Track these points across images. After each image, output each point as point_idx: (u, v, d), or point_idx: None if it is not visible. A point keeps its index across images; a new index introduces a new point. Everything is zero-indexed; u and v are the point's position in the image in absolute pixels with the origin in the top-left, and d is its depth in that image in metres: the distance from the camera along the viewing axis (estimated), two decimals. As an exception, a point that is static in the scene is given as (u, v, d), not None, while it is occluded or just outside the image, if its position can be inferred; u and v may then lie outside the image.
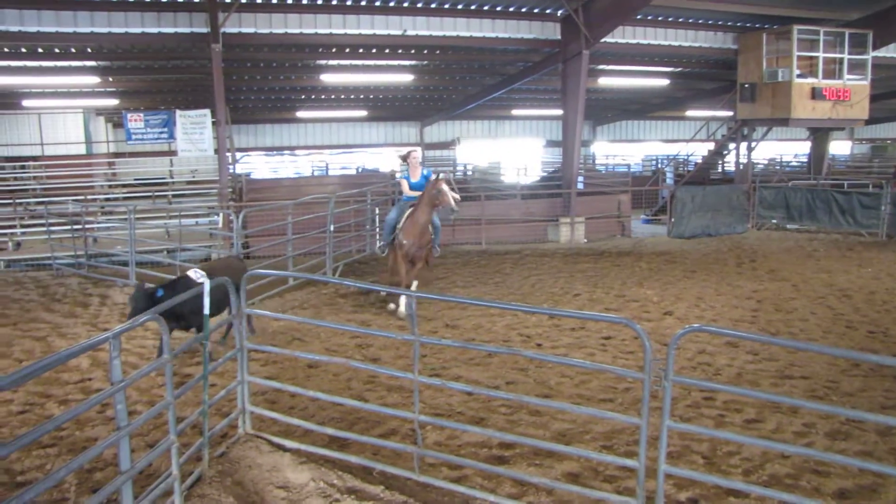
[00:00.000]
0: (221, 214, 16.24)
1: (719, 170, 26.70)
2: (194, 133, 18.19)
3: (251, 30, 16.30)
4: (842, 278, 13.34)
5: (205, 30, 15.71)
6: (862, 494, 5.59)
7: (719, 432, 6.23)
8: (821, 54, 19.49)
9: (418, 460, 5.33)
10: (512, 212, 18.18)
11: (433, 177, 10.72)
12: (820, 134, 24.83)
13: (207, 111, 18.32)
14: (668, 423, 4.26)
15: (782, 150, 34.98)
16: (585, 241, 17.95)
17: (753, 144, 22.71)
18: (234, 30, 16.03)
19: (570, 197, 18.30)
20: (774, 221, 19.61)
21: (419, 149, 12.86)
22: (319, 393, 6.12)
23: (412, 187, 11.19)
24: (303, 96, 27.51)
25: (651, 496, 4.37)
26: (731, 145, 23.33)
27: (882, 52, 20.72)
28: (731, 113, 22.56)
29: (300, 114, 29.91)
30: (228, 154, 17.99)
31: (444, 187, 10.36)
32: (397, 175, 12.64)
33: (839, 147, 37.89)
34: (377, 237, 14.80)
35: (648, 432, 4.38)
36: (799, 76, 19.52)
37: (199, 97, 25.43)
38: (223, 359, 5.95)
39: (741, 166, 22.87)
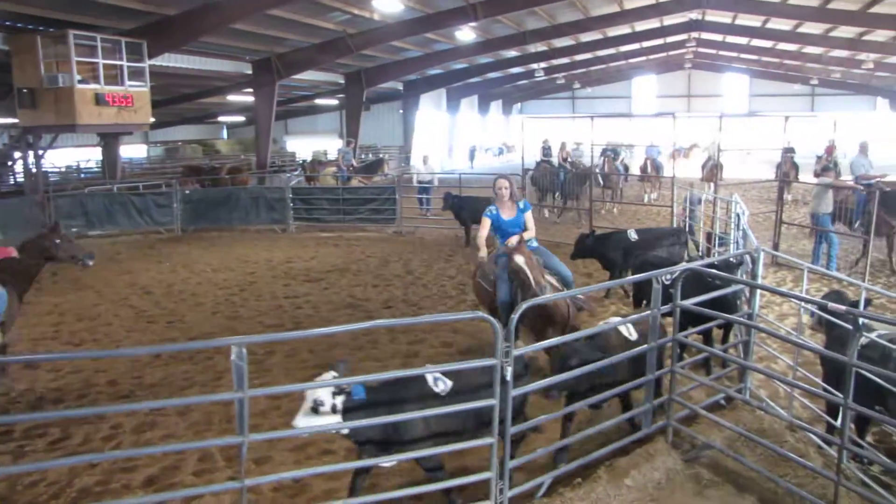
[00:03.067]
0: None
1: (10, 182, 24.95)
2: None
3: None
4: (144, 276, 13.83)
5: None
6: (167, 475, 5.95)
7: (12, 468, 5.83)
8: (101, 60, 19.56)
9: None
10: None
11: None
12: (110, 138, 25.14)
13: None
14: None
15: (79, 156, 34.44)
16: None
17: (41, 152, 21.78)
18: None
19: None
20: (75, 230, 19.20)
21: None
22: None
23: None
24: None
25: None
26: (17, 154, 21.98)
27: (158, 61, 21.84)
28: (14, 120, 21.18)
29: None
30: None
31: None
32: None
33: (136, 150, 39.18)
34: None
35: None
36: (81, 82, 19.31)
37: None
38: None
39: (31, 176, 21.72)
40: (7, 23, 19.06)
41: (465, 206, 16.32)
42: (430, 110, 41.59)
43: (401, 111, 39.58)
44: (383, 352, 8.91)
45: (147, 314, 11.10)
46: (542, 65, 38.82)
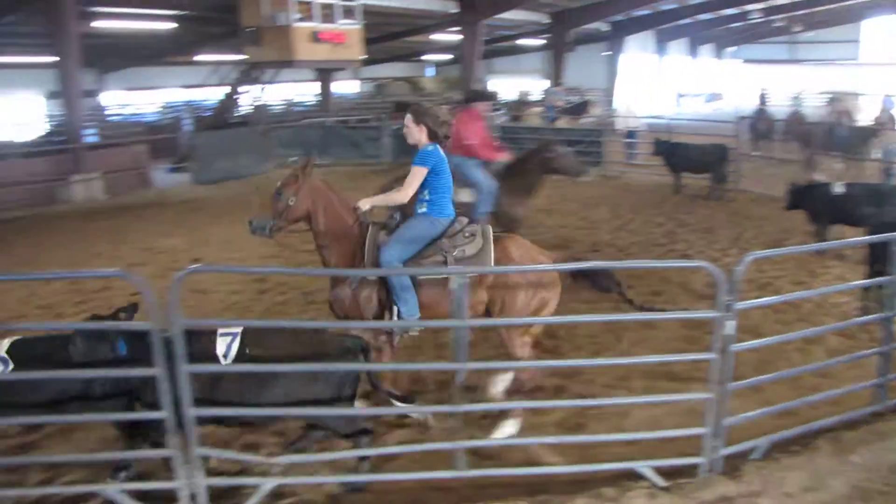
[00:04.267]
0: None
1: (237, 113, 26.95)
2: None
3: None
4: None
5: None
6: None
7: (243, 367, 6.46)
8: (316, 0, 20.64)
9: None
10: (12, 173, 16.16)
11: None
12: (324, 74, 26.53)
13: None
14: (186, 369, 4.26)
15: (296, 90, 36.51)
16: (106, 196, 16.86)
17: (264, 86, 23.38)
18: None
19: (77, 152, 16.91)
20: (294, 159, 20.52)
21: None
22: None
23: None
24: None
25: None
26: (244, 88, 23.72)
27: (369, 0, 22.58)
28: (241, 56, 22.80)
29: None
30: None
31: None
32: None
33: (348, 86, 40.93)
34: None
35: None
36: (298, 20, 20.43)
37: None
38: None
39: (256, 108, 23.43)
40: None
41: (677, 152, 15.75)
42: (637, 53, 40.10)
43: (606, 53, 38.51)
44: (592, 294, 8.82)
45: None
46: (759, 5, 36.19)
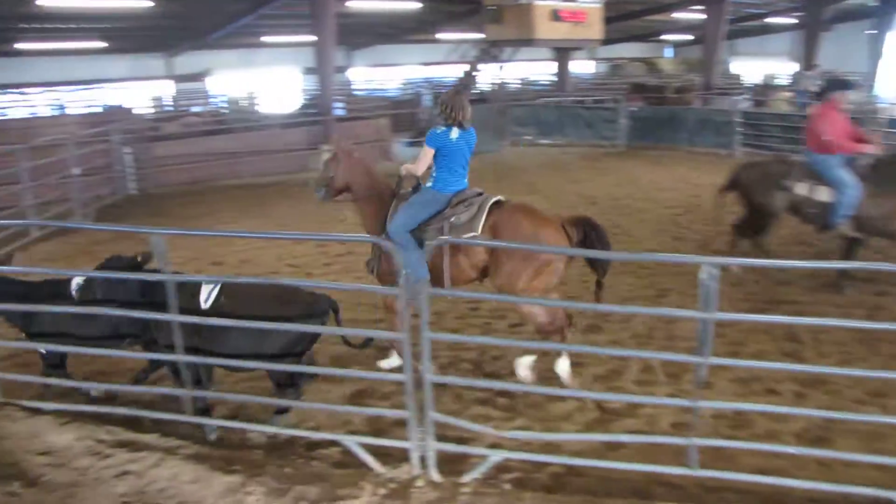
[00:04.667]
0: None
1: (475, 90, 27.55)
2: None
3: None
4: (589, 187, 14.41)
5: None
6: (610, 377, 6.27)
7: (481, 338, 6.63)
8: (558, -22, 20.55)
9: (190, 403, 5.16)
10: (272, 142, 17.66)
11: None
12: (562, 53, 26.37)
13: None
14: (428, 335, 4.40)
15: (532, 69, 36.69)
16: (349, 167, 17.89)
17: (503, 64, 23.68)
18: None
19: (327, 124, 18.10)
20: (528, 138, 20.66)
21: None
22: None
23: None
24: (21, 25, 24.45)
25: (422, 406, 4.55)
26: (483, 66, 24.15)
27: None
28: (481, 35, 23.22)
29: (21, 46, 26.66)
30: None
31: None
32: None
33: (583, 66, 40.51)
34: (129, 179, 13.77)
35: (413, 346, 4.49)
36: (540, -1, 20.46)
37: None
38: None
39: (494, 86, 23.81)
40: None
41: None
42: (910, 30, 36.04)
43: (870, 32, 34.93)
44: (845, 299, 8.15)
45: (593, 224, 11.58)
46: None
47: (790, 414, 5.25)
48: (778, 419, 5.42)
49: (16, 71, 28.02)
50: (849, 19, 34.96)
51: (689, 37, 41.15)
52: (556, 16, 20.70)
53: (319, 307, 5.26)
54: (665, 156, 18.23)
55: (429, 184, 6.17)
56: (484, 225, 5.88)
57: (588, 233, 5.91)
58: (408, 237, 5.92)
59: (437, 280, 5.92)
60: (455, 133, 6.03)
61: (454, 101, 6.11)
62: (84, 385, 5.58)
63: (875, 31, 33.87)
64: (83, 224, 11.51)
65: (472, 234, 5.87)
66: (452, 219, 5.94)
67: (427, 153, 6.06)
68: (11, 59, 27.68)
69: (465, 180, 6.22)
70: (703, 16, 26.70)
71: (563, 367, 6.01)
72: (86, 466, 4.66)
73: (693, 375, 4.64)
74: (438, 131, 6.06)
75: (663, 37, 43.16)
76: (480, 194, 6.12)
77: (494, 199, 6.05)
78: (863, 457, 4.55)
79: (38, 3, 20.16)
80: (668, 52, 47.50)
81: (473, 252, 5.93)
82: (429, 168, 6.18)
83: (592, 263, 6.08)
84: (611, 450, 5.07)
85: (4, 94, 28.54)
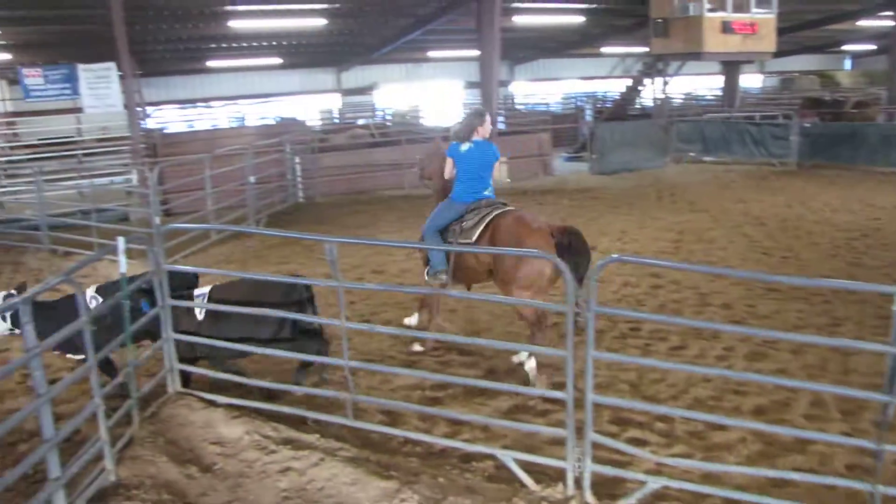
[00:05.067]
0: (136, 171, 15.71)
1: (637, 105, 27.03)
2: (100, 88, 17.38)
3: (151, -25, 15.55)
4: (757, 207, 13.79)
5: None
6: (776, 409, 5.88)
7: (643, 360, 6.45)
8: (730, -12, 19.83)
9: (351, 406, 5.33)
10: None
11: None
12: (731, 67, 25.39)
13: (112, 64, 17.39)
14: (593, 354, 4.33)
15: (697, 84, 35.57)
16: (509, 180, 18.03)
17: (668, 79, 23.08)
18: (133, -24, 15.23)
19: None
20: (692, 154, 20.03)
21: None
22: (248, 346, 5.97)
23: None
24: (212, 45, 26.55)
25: (581, 426, 4.48)
26: (647, 80, 23.64)
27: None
28: (646, 49, 22.77)
29: (211, 63, 28.93)
30: (139, 109, 17.30)
31: None
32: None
33: (751, 80, 38.81)
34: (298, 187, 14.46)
35: (575, 364, 4.44)
36: (709, 10, 19.80)
37: (102, 50, 23.84)
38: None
39: (658, 101, 23.26)
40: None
41: None
42: None
43: None
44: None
45: (761, 245, 11.03)
46: None
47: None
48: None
49: (203, 86, 30.48)
50: None
51: (872, 46, 38.49)
52: (727, 27, 19.98)
53: (300, 293, 5.84)
54: (841, 175, 17.16)
55: (451, 193, 6.90)
56: (483, 232, 6.54)
57: (572, 240, 6.28)
58: (436, 236, 6.77)
59: (460, 276, 6.80)
60: (465, 146, 6.77)
61: (466, 120, 6.98)
62: (251, 382, 5.87)
63: None
64: (251, 229, 12.27)
65: (468, 240, 6.53)
66: (463, 224, 6.69)
67: (448, 162, 6.91)
68: (200, 75, 30.18)
69: (486, 191, 6.88)
70: (891, 22, 24.96)
71: (530, 365, 6.39)
72: (252, 459, 4.92)
73: (876, 414, 4.27)
74: (452, 144, 6.90)
75: (843, 47, 40.58)
76: (495, 204, 6.74)
77: (500, 211, 6.65)
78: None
79: (229, 24, 21.76)
80: (847, 64, 44.65)
81: (479, 255, 6.53)
82: None
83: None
84: (776, 486, 4.77)
85: (193, 107, 31.01)
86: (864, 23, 30.86)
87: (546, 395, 4.93)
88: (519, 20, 24.76)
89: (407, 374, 6.14)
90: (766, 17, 20.91)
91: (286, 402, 5.69)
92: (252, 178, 12.77)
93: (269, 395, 5.84)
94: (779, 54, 25.88)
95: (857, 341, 5.22)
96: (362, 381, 6.35)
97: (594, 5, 24.69)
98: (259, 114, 30.65)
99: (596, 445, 4.60)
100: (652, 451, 5.08)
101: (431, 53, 32.03)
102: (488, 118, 6.96)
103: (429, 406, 5.78)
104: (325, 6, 21.62)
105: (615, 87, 27.28)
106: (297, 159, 15.86)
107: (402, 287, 8.32)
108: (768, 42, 21.37)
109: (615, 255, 4.78)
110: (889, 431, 4.59)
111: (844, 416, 5.72)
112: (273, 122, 24.15)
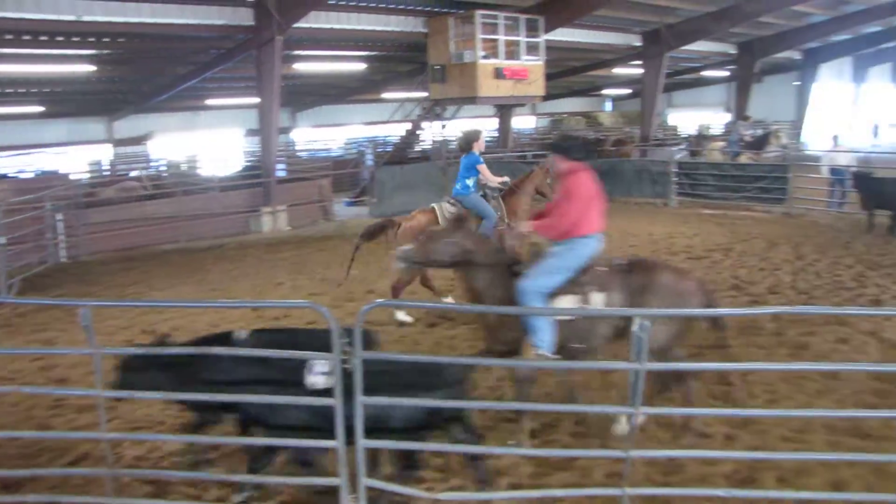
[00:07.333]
0: None
1: (416, 148, 27.75)
2: None
3: None
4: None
5: None
6: (546, 431, 6.14)
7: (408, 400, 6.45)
8: (501, 37, 20.91)
9: (111, 482, 4.93)
10: (211, 205, 17.45)
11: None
12: (505, 110, 26.81)
13: None
14: (362, 399, 4.36)
15: (475, 126, 37.06)
16: (289, 228, 17.82)
17: (446, 122, 23.93)
18: None
19: (269, 186, 18.00)
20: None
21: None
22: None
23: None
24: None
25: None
26: (426, 124, 24.38)
27: (551, 36, 22.62)
28: (425, 94, 23.48)
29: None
30: None
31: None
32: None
33: (524, 121, 41.23)
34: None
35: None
36: (483, 57, 20.79)
37: None
38: None
39: (436, 143, 24.01)
40: (427, 8, 20.99)
41: (871, 187, 14.47)
42: (831, 81, 37.57)
43: (796, 83, 36.45)
44: (768, 340, 8.31)
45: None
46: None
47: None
48: (708, 462, 5.49)
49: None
50: (777, 72, 36.43)
51: (628, 90, 42.30)
52: (500, 73, 21.05)
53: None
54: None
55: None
56: None
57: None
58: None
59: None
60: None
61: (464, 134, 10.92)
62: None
63: (800, 83, 35.34)
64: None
65: None
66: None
67: (483, 168, 10.50)
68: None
69: (456, 187, 10.65)
70: (642, 70, 27.53)
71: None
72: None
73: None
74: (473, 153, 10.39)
75: (603, 91, 44.29)
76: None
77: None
78: (788, 494, 4.73)
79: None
80: (607, 106, 48.70)
81: None
82: None
83: None
84: (549, 505, 5.01)
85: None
86: (619, 70, 33.86)
87: (320, 445, 4.82)
88: (301, 67, 24.66)
89: (176, 440, 5.80)
90: (535, 64, 22.25)
91: (31, 490, 5.16)
92: (2, 239, 11.63)
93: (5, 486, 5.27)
94: (548, 97, 27.72)
95: (607, 362, 5.59)
96: (129, 452, 5.94)
97: (375, 52, 25.15)
98: (17, 167, 27.93)
99: (371, 489, 4.60)
100: (428, 489, 5.12)
101: (210, 101, 31.06)
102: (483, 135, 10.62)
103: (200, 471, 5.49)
104: (93, 52, 20.31)
105: (396, 132, 27.85)
106: (60, 216, 14.72)
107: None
108: (538, 86, 22.75)
109: (378, 301, 4.79)
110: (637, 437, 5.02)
111: (602, 431, 6.10)
112: (32, 177, 22.33)
